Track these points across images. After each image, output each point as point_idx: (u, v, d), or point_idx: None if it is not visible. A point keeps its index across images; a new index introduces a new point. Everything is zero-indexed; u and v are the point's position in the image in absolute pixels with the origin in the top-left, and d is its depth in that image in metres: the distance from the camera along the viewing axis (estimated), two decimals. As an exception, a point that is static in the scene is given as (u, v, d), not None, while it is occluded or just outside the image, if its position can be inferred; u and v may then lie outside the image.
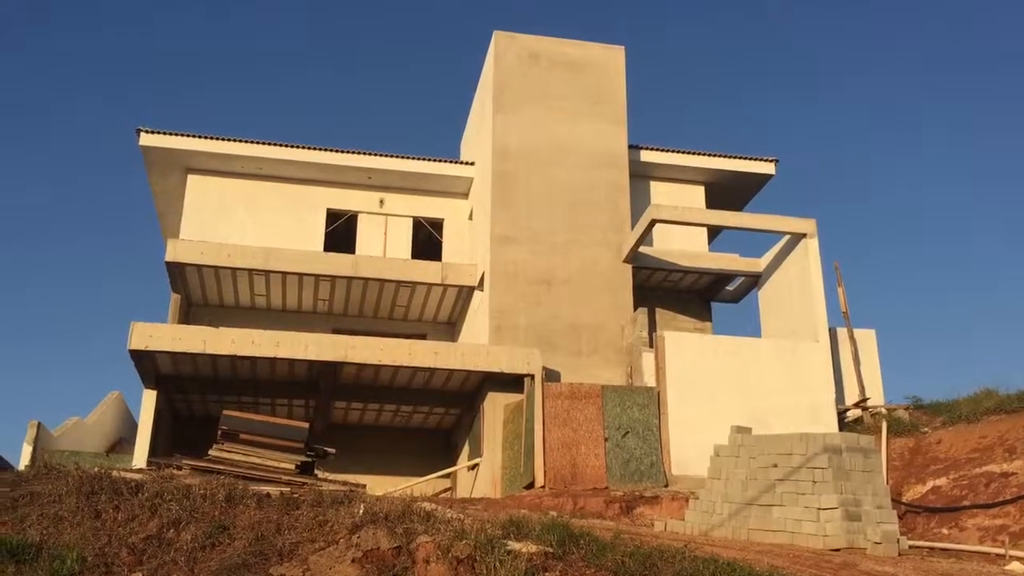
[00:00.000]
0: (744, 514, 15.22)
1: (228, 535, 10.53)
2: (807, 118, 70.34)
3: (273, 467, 13.08)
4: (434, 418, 24.51)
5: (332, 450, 14.16)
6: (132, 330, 19.93)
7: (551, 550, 10.01)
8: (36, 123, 67.92)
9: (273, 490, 11.80)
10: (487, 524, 10.48)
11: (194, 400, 23.30)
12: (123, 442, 26.83)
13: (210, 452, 13.32)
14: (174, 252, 23.16)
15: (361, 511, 10.68)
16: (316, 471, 13.97)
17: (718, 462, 16.39)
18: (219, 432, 13.45)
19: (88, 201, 68.16)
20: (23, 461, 20.16)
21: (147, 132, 24.20)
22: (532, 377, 20.63)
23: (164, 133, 24.26)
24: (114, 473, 11.92)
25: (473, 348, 21.49)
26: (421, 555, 9.93)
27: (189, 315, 25.05)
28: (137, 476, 12.02)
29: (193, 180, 25.04)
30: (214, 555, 10.25)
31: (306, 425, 13.86)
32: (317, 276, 24.24)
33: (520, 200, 23.23)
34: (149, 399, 21.31)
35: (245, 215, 25.08)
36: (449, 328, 26.74)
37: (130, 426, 27.91)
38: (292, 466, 13.12)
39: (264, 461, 13.09)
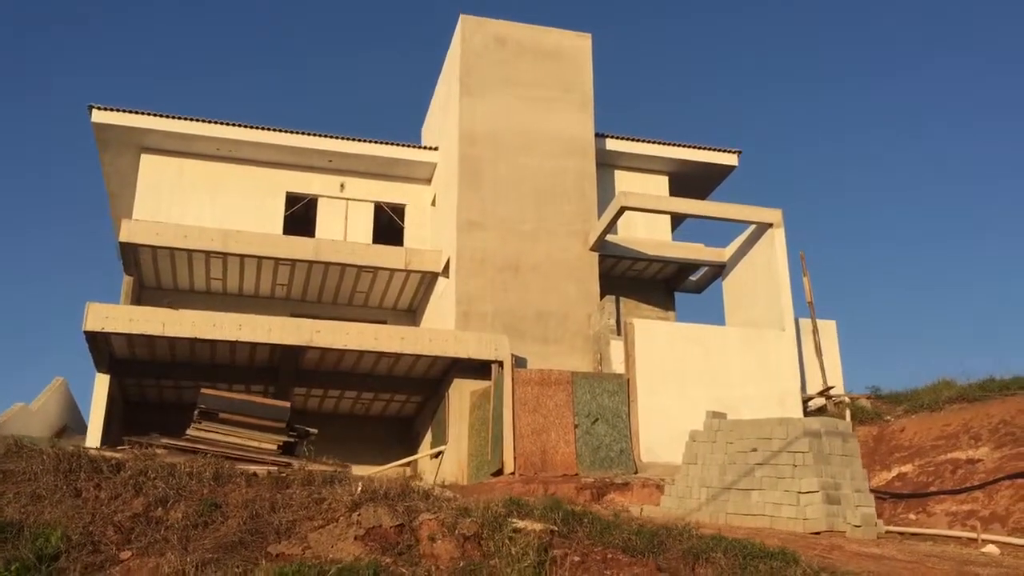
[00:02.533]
0: (722, 498, 15.29)
1: (221, 513, 10.15)
2: (770, 113, 71.49)
3: (255, 447, 12.69)
4: (395, 405, 24.18)
5: (314, 430, 13.79)
6: (87, 311, 19.20)
7: (556, 528, 9.87)
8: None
9: (260, 469, 11.42)
10: (491, 503, 10.28)
11: (148, 385, 22.58)
12: (68, 429, 25.86)
13: (188, 432, 12.86)
14: (128, 232, 22.41)
15: (359, 489, 10.39)
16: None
17: (694, 447, 16.44)
18: (196, 411, 12.99)
19: (32, 183, 65.80)
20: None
21: (100, 109, 23.36)
22: (500, 363, 20.46)
23: (118, 110, 23.45)
24: (91, 451, 11.41)
25: (441, 333, 21.23)
26: (425, 532, 9.69)
27: (141, 299, 24.28)
28: (117, 455, 11.52)
29: (147, 160, 24.25)
30: (207, 533, 9.86)
31: (288, 404, 13.48)
32: (277, 260, 23.71)
33: (487, 186, 23.03)
34: (102, 383, 20.56)
35: (202, 197, 24.39)
36: (409, 315, 26.42)
37: (74, 413, 26.96)
38: (274, 446, 12.74)
39: (245, 441, 12.68)
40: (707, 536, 9.93)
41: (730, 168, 26.27)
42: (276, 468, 11.51)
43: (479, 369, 21.02)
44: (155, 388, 22.87)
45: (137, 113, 23.47)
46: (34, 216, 65.61)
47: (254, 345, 20.54)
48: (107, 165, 24.90)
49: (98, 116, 23.24)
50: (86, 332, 19.24)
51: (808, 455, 14.41)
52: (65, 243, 65.53)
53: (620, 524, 10.25)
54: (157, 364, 21.50)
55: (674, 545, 9.72)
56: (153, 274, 24.07)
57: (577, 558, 9.21)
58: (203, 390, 13.37)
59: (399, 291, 25.42)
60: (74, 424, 26.31)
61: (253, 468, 11.44)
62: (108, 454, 11.39)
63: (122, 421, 22.19)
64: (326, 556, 9.29)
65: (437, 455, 21.94)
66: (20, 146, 65.56)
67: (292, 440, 13.08)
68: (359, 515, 9.89)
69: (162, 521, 10.08)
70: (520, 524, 9.70)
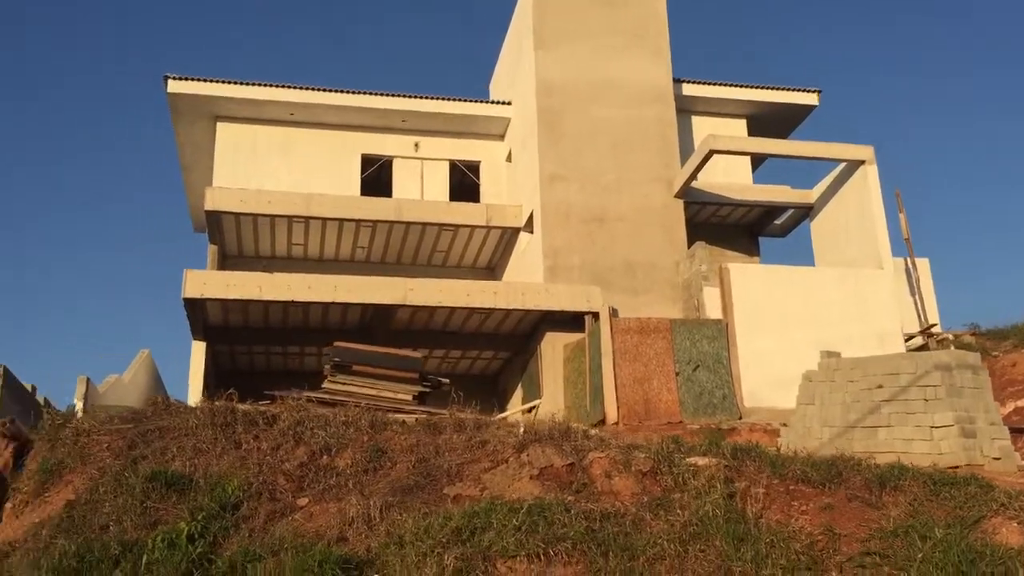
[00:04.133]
0: (846, 437, 15.05)
1: (388, 459, 10.16)
2: (845, 51, 70.17)
3: (391, 398, 12.67)
4: (481, 363, 24.16)
5: (447, 381, 13.75)
6: (185, 277, 19.26)
7: (727, 462, 9.76)
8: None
9: (408, 418, 11.41)
10: (663, 441, 10.18)
11: (239, 352, 22.72)
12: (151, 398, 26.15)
13: (324, 385, 12.87)
14: (213, 200, 22.40)
15: (522, 431, 10.33)
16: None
17: (810, 387, 16.21)
18: (330, 364, 12.98)
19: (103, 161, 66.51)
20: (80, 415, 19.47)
21: (175, 79, 23.29)
22: (594, 315, 20.31)
23: (193, 79, 23.37)
24: (243, 406, 11.45)
25: (533, 287, 21.09)
26: (598, 470, 9.62)
27: (224, 267, 24.32)
28: (265, 408, 11.56)
29: (223, 128, 24.20)
30: (379, 478, 9.87)
31: (420, 355, 13.42)
32: (358, 222, 23.63)
33: (567, 138, 22.75)
34: (198, 350, 20.69)
35: (278, 162, 24.33)
36: (488, 273, 26.30)
37: (158, 384, 27.23)
38: (410, 396, 12.71)
39: (381, 392, 12.67)
40: (885, 465, 9.77)
41: (809, 108, 25.76)
42: (424, 416, 11.49)
43: (570, 322, 20.91)
44: (246, 355, 23.01)
45: (211, 81, 23.40)
46: (102, 192, 66.38)
47: (347, 306, 20.54)
48: (181, 135, 24.89)
49: (174, 86, 23.19)
50: (185, 299, 19.31)
51: (940, 389, 14.14)
52: (133, 219, 66.41)
53: (788, 458, 10.12)
54: (250, 330, 21.60)
55: (851, 476, 9.58)
56: (236, 242, 24.11)
57: (761, 490, 9.11)
58: (335, 343, 13.37)
59: (478, 249, 25.30)
60: (159, 395, 26.58)
61: (402, 416, 11.43)
62: (260, 408, 11.42)
63: (213, 389, 22.36)
64: (504, 496, 9.25)
65: (531, 410, 21.89)
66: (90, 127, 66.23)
67: (426, 390, 13.04)
68: (527, 456, 9.84)
69: (330, 468, 10.11)
70: (693, 459, 9.60)
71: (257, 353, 22.82)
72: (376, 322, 21.25)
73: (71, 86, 67.24)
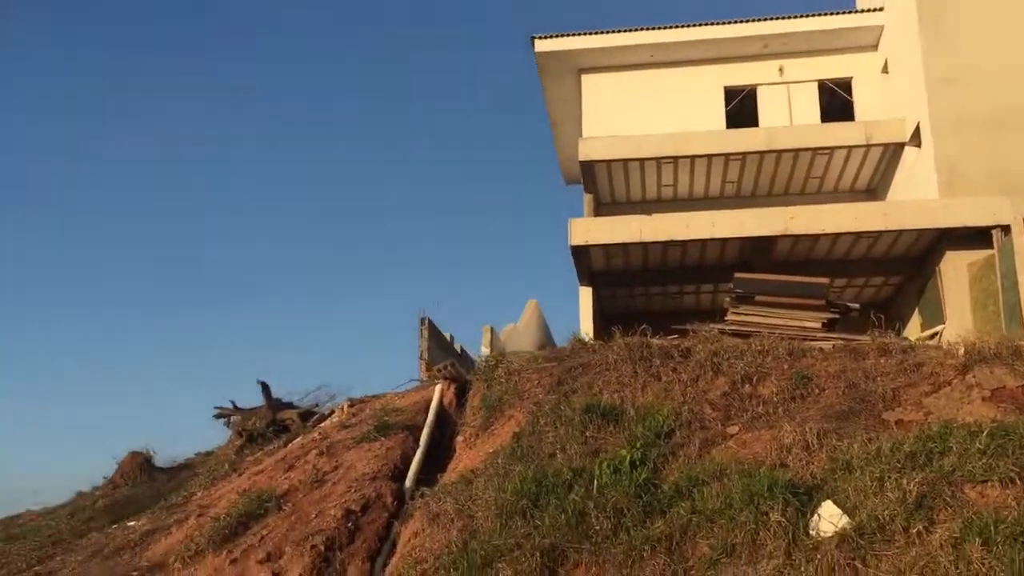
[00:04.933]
0: None
1: (814, 385, 9.94)
2: None
3: (797, 326, 12.38)
4: (869, 291, 22.81)
5: (856, 306, 13.18)
6: (571, 227, 20.17)
7: None
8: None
9: (825, 344, 11.08)
10: None
11: (620, 296, 23.42)
12: (546, 347, 27.79)
13: (727, 317, 12.89)
14: (586, 151, 23.15)
15: (962, 352, 9.62)
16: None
17: None
18: (732, 296, 12.96)
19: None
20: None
21: (541, 38, 24.21)
22: (1004, 228, 18.33)
23: (557, 36, 24.18)
24: (654, 341, 11.79)
25: (927, 204, 19.50)
26: (1059, 390, 8.70)
27: (599, 215, 25.11)
28: (675, 342, 11.82)
29: (588, 80, 24.84)
30: (807, 405, 9.71)
31: (826, 280, 12.98)
32: (727, 156, 23.24)
33: (954, 37, 20.57)
34: (586, 296, 21.63)
35: (642, 106, 24.47)
36: (869, 196, 24.70)
37: (546, 331, 28.86)
38: (818, 324, 12.33)
39: (787, 321, 12.42)
40: None
41: None
42: (841, 342, 11.09)
43: (973, 238, 19.02)
44: (626, 298, 23.67)
45: (575, 35, 24.06)
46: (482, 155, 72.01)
47: (724, 241, 20.35)
48: (549, 92, 25.89)
49: (541, 45, 24.13)
50: (572, 247, 20.23)
51: None
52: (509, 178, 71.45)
53: None
54: (630, 273, 22.17)
55: None
56: (608, 189, 24.78)
57: None
58: (736, 275, 13.33)
59: (856, 171, 23.83)
60: (547, 342, 28.21)
61: (817, 344, 11.12)
62: (672, 342, 11.71)
63: (600, 332, 23.28)
64: (954, 419, 8.67)
65: (933, 336, 20.35)
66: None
67: (835, 316, 12.57)
68: (974, 377, 9.14)
69: (754, 397, 10.11)
70: None
71: (638, 295, 23.39)
72: (755, 256, 20.83)
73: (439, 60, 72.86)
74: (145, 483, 16.61)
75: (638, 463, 9.19)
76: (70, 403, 64.61)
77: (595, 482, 9.04)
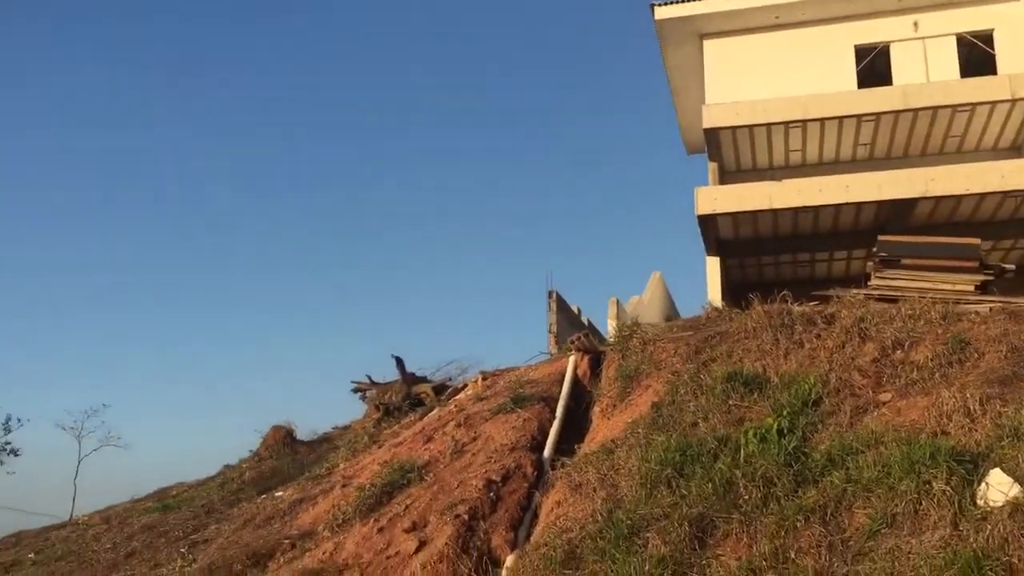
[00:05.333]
0: None
1: (972, 350, 9.46)
2: None
3: (948, 289, 11.79)
4: (1017, 252, 21.67)
5: (1011, 267, 12.50)
6: (697, 196, 19.82)
7: None
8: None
9: (980, 308, 10.52)
10: None
11: (748, 265, 22.92)
12: (670, 319, 27.45)
13: (870, 282, 12.40)
14: (710, 118, 22.62)
15: None
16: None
17: None
18: (875, 260, 12.46)
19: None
20: (609, 333, 21.16)
21: (660, 5, 23.74)
22: None
23: (678, 2, 23.64)
24: (796, 308, 11.45)
25: (1084, 159, 18.31)
26: None
27: (724, 183, 24.55)
28: (818, 309, 11.45)
29: (710, 45, 24.22)
30: (966, 370, 9.24)
31: (978, 241, 12.33)
32: (858, 117, 22.29)
33: (1111, -22, 19.18)
34: (713, 266, 21.27)
35: (767, 70, 23.69)
36: (1014, 153, 23.30)
37: (670, 302, 28.49)
38: (971, 287, 11.72)
39: (936, 284, 11.84)
40: None
41: None
42: (999, 305, 10.51)
43: None
44: (755, 267, 23.15)
45: (696, 0, 23.49)
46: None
47: (859, 206, 19.67)
48: (670, 60, 25.37)
49: (660, 12, 23.65)
50: (698, 216, 19.88)
51: None
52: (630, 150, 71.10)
53: None
54: (759, 241, 21.67)
55: None
56: (733, 156, 24.18)
57: None
58: (880, 237, 12.77)
59: (1000, 127, 22.50)
60: (672, 314, 27.86)
61: (972, 307, 10.58)
62: (815, 308, 11.35)
63: (728, 303, 22.82)
64: None
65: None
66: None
67: (989, 278, 11.92)
68: None
69: (907, 363, 9.70)
70: None
71: (766, 264, 22.85)
72: (893, 220, 20.06)
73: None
74: (288, 455, 17.24)
75: (786, 431, 8.94)
76: (211, 383, 67.91)
77: (741, 451, 8.84)
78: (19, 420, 21.99)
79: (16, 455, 21.68)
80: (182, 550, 11.99)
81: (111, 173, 72.27)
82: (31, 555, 16.23)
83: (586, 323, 21.47)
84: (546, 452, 11.40)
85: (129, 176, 72.69)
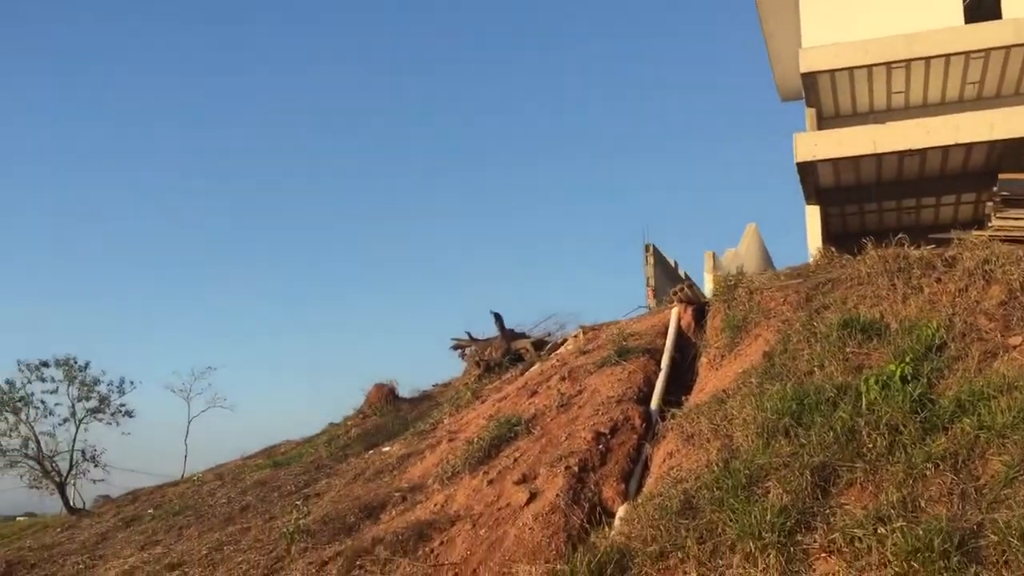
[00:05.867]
0: None
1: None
2: None
3: (1079, 230, 11.20)
4: None
5: None
6: (796, 142, 19.23)
7: None
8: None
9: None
10: None
11: (849, 213, 22.23)
12: (766, 271, 26.91)
13: (991, 223, 11.86)
14: (808, 61, 21.81)
15: None
16: None
17: None
18: (995, 200, 11.90)
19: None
20: (706, 288, 20.84)
21: (751, -57, 22.98)
22: None
23: (769, -59, 22.84)
24: (914, 251, 11.02)
25: None
26: None
27: (821, 130, 23.77)
28: (938, 252, 11.00)
29: (805, -16, 23.33)
30: (1105, 312, 8.77)
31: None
32: (966, 54, 21.20)
33: None
34: (812, 215, 20.69)
35: (866, 9, 22.70)
36: None
37: (765, 254, 27.90)
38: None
39: (1065, 225, 11.25)
40: None
41: None
42: None
43: None
44: (856, 216, 22.44)
45: (789, -61, 22.63)
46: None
47: (970, 147, 18.79)
48: (763, 3, 24.58)
49: (753, -47, 22.93)
50: (797, 163, 19.30)
51: None
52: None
53: None
54: (861, 188, 20.96)
55: None
56: (831, 101, 23.33)
57: None
58: (1001, 175, 12.18)
59: (1124, 60, 21.21)
60: (767, 266, 27.28)
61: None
62: (933, 251, 10.91)
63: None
64: None
65: None
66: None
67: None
68: None
69: (1036, 305, 9.25)
70: None
71: (868, 212, 22.12)
72: (1007, 161, 19.11)
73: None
74: (391, 412, 17.51)
75: (909, 378, 8.63)
76: (311, 345, 69.79)
77: (863, 399, 8.57)
78: (131, 383, 22.72)
79: (131, 416, 22.46)
80: (297, 503, 12.29)
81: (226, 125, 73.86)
82: (150, 510, 16.91)
83: (683, 276, 21.17)
84: (653, 404, 11.29)
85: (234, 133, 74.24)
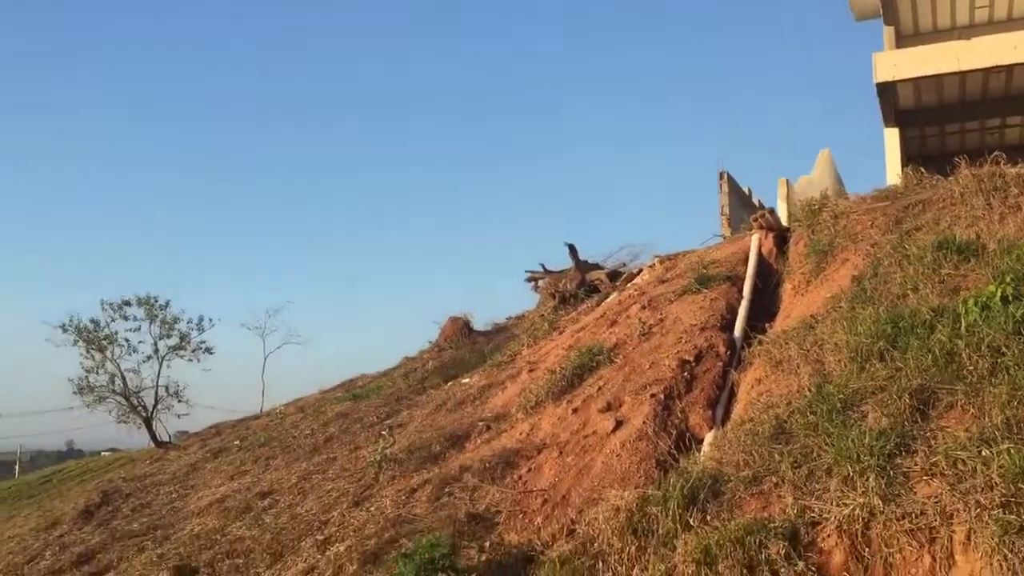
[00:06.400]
0: None
1: None
2: None
3: None
4: None
5: None
6: (875, 62, 18.55)
7: None
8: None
9: None
10: None
11: (930, 136, 21.48)
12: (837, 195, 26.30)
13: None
14: (885, -25, 20.98)
15: None
16: None
17: None
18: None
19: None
20: (782, 215, 20.42)
21: None
22: None
23: None
24: (1009, 171, 10.63)
25: None
26: None
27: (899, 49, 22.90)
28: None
29: None
30: None
31: None
32: (1056, -37, 20.19)
33: None
34: (891, 138, 20.05)
35: (948, -82, 21.71)
36: None
37: (838, 180, 27.21)
38: None
39: None
40: None
41: None
42: None
43: None
44: (936, 138, 21.69)
45: None
46: None
47: (1063, 63, 17.88)
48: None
49: None
50: (877, 84, 18.66)
51: None
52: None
53: None
54: (943, 108, 20.21)
55: None
56: (910, 19, 22.40)
57: None
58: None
59: None
60: (841, 192, 26.62)
61: None
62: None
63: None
64: None
65: None
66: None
67: None
68: None
69: None
70: None
71: (950, 133, 21.36)
72: (1098, 75, 18.24)
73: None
74: (466, 345, 17.65)
75: (1011, 299, 8.36)
76: (383, 280, 70.57)
77: (961, 321, 8.34)
78: (210, 320, 23.24)
79: (211, 353, 23.02)
80: (383, 432, 12.52)
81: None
82: (236, 442, 17.41)
83: (758, 204, 20.78)
84: (736, 331, 11.18)
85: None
